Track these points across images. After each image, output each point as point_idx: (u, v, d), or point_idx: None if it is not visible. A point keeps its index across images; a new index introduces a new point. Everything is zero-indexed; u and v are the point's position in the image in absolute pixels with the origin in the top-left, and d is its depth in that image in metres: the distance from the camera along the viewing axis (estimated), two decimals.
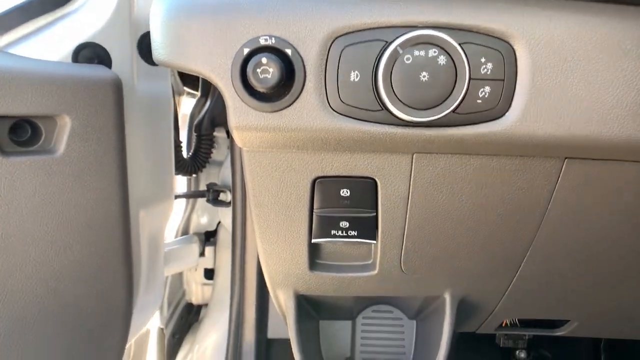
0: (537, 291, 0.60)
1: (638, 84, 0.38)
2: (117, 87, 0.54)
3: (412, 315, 0.72)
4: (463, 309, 0.62)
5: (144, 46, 0.64)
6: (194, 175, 0.98)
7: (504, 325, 0.78)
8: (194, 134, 0.85)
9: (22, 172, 0.48)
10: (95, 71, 0.54)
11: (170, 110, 0.74)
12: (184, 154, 0.84)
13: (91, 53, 0.58)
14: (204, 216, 1.03)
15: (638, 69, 0.38)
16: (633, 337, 0.71)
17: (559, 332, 0.72)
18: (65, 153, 0.51)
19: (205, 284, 1.05)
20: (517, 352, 1.24)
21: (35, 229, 0.50)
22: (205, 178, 0.99)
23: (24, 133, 0.50)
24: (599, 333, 0.72)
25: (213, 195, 0.86)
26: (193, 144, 0.84)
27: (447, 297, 0.58)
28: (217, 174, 0.96)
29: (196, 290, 1.06)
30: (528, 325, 0.77)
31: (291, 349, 0.62)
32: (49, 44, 0.55)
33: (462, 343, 1.11)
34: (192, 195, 0.93)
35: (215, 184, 0.89)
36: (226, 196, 0.87)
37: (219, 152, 0.96)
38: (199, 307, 1.11)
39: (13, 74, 0.46)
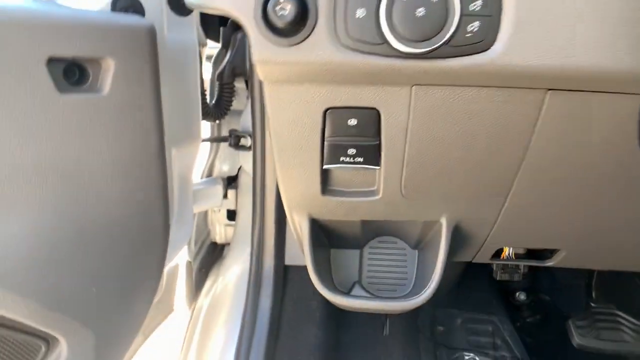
0: (526, 220, 0.66)
1: (611, 18, 0.43)
2: (152, 35, 0.61)
3: (413, 245, 0.80)
4: (458, 237, 0.70)
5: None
6: (217, 122, 1.05)
7: (502, 257, 0.85)
8: (217, 83, 0.92)
9: (74, 108, 0.56)
10: (133, 19, 0.61)
11: (197, 59, 0.80)
12: (208, 101, 0.91)
13: (126, 4, 0.64)
14: (226, 163, 1.11)
15: (611, 4, 0.43)
16: (619, 268, 0.77)
17: (550, 263, 0.79)
18: (110, 92, 0.58)
19: (227, 225, 1.15)
20: (517, 294, 1.33)
21: (87, 160, 0.58)
22: (227, 126, 1.07)
23: (73, 75, 0.57)
24: (587, 264, 0.79)
25: (234, 140, 0.94)
26: (216, 92, 0.91)
27: (443, 222, 0.66)
28: (237, 122, 1.04)
29: (219, 231, 1.17)
30: (521, 258, 0.84)
31: (305, 273, 0.71)
32: None
33: (466, 289, 1.20)
34: (216, 139, 1.01)
35: (236, 130, 0.97)
36: (246, 141, 0.95)
37: (239, 102, 1.03)
38: (222, 246, 1.22)
39: (65, 21, 0.53)
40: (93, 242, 0.60)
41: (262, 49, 0.46)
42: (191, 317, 1.07)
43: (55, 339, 0.58)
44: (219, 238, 1.18)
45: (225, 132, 1.04)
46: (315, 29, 0.45)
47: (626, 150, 0.54)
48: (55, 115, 0.54)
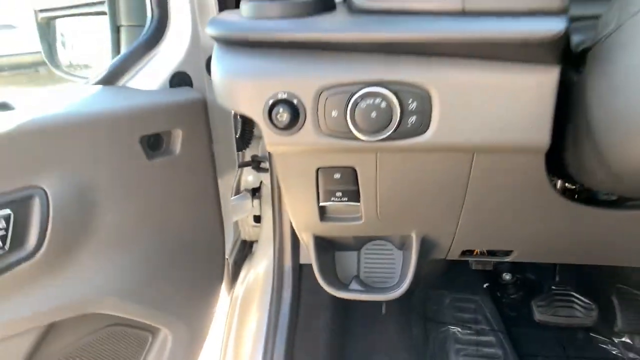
0: (478, 231, 0.87)
1: (509, 110, 0.62)
2: (204, 104, 0.82)
3: (399, 247, 1.02)
4: (428, 243, 0.91)
5: (210, 67, 0.90)
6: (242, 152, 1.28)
7: (474, 254, 1.06)
8: (240, 120, 1.14)
9: (157, 167, 0.77)
10: (190, 94, 0.81)
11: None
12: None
13: (179, 79, 0.83)
14: (250, 177, 1.35)
15: (509, 101, 0.62)
16: (558, 261, 0.97)
17: (508, 259, 0.99)
18: (180, 153, 0.79)
19: (254, 226, 1.39)
20: (504, 274, 1.54)
21: (169, 201, 0.80)
22: (249, 152, 1.29)
23: (152, 143, 0.78)
24: (535, 259, 0.99)
25: (255, 164, 1.17)
26: (239, 128, 1.13)
27: (413, 235, 0.87)
28: (257, 147, 1.26)
29: (248, 231, 1.41)
30: (489, 253, 1.05)
31: (325, 263, 0.94)
32: (151, 76, 0.81)
33: (455, 273, 1.42)
34: (242, 165, 1.24)
35: (257, 156, 1.19)
36: (266, 164, 1.17)
37: (258, 129, 1.25)
38: (251, 243, 1.47)
39: (150, 106, 0.74)
40: (179, 259, 0.84)
41: (270, 136, 0.67)
42: (230, 302, 1.34)
43: (158, 330, 0.84)
44: (247, 237, 1.43)
45: (248, 157, 1.26)
46: (305, 125, 0.66)
47: (541, 189, 0.73)
48: (147, 175, 0.76)
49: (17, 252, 0.61)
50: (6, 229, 0.59)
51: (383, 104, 0.62)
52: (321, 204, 0.79)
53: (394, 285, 1.00)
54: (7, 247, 0.60)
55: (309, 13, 0.65)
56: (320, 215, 0.83)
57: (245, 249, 1.46)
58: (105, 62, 1.07)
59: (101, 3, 0.96)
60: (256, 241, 1.44)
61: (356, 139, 0.65)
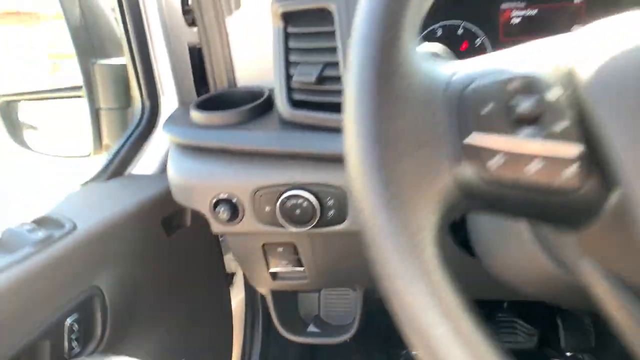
0: None
1: None
2: None
3: (353, 289, 1.15)
4: (373, 290, 1.03)
5: None
6: None
7: None
8: None
9: (175, 241, 0.90)
10: None
11: None
12: None
13: None
14: None
15: None
16: (490, 298, 1.09)
17: None
18: (190, 224, 0.92)
19: (231, 259, 1.54)
20: None
21: (185, 265, 0.93)
22: None
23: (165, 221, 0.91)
24: (474, 297, 1.11)
25: None
26: None
27: (357, 286, 1.00)
28: None
29: (229, 264, 1.55)
30: None
31: (287, 304, 1.08)
32: (151, 160, 0.94)
33: None
34: None
35: None
36: None
37: None
38: (232, 275, 1.61)
39: (164, 190, 0.84)
40: (198, 312, 0.98)
41: (216, 226, 0.80)
42: None
43: None
44: (229, 270, 1.57)
45: None
46: (244, 218, 0.78)
47: (450, 250, 0.85)
48: (169, 251, 0.90)
49: (88, 346, 0.73)
50: (79, 330, 0.70)
51: (305, 204, 0.74)
52: (270, 270, 0.92)
53: (349, 324, 1.14)
54: (81, 345, 0.71)
55: (245, 120, 0.77)
56: (272, 277, 0.96)
57: (227, 279, 1.60)
58: (49, 125, 1.14)
59: (75, 88, 1.06)
60: (235, 273, 1.58)
61: (287, 228, 0.77)
